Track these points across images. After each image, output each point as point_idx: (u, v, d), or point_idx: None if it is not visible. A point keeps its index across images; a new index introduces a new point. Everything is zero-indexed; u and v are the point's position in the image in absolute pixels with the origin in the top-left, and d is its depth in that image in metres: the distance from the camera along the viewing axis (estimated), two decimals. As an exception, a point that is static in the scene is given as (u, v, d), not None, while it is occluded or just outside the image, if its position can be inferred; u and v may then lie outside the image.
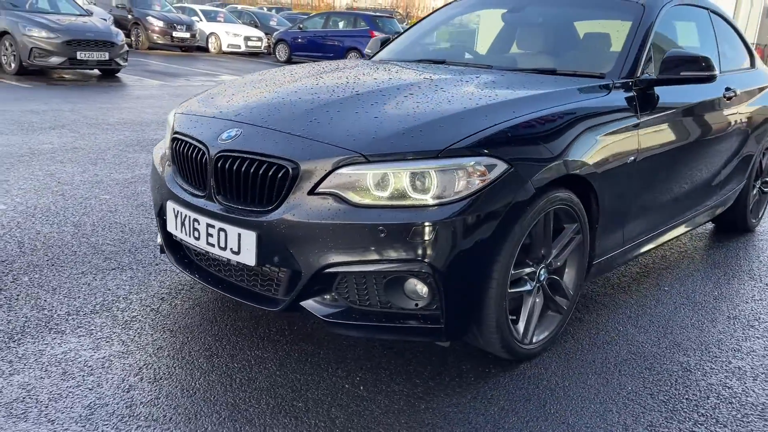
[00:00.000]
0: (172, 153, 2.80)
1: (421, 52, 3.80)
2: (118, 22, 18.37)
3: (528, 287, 2.59)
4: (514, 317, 2.56)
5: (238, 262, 2.44)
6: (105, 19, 15.40)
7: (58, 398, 2.20)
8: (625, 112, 2.95)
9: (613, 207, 2.93)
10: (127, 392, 2.26)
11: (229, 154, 2.45)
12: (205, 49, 20.03)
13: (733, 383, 2.60)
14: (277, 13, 27.79)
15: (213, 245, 2.49)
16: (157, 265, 3.40)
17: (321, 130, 2.42)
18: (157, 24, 18.09)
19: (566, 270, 2.81)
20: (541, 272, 2.63)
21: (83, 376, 2.34)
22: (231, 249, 2.44)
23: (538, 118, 2.53)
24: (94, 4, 18.61)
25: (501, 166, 2.31)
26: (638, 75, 3.13)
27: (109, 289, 3.07)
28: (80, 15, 12.14)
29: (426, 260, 2.22)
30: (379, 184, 2.24)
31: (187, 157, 2.66)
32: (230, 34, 19.58)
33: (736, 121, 3.99)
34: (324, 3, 44.64)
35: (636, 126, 2.96)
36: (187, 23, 18.79)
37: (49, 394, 2.22)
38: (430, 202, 2.23)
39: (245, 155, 2.41)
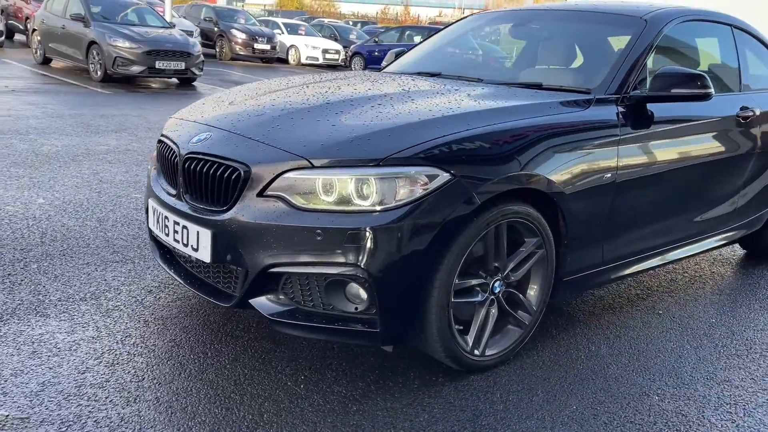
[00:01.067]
0: (157, 154, 2.99)
1: (423, 65, 3.85)
2: (205, 34, 19.32)
3: (479, 298, 2.59)
4: (461, 327, 2.57)
5: (197, 259, 2.58)
6: (190, 32, 16.27)
7: (19, 374, 2.40)
8: (603, 128, 2.90)
9: (587, 224, 2.88)
10: (82, 374, 2.43)
11: (194, 156, 2.61)
12: (285, 61, 20.70)
13: (690, 411, 2.50)
14: (361, 27, 28.36)
15: (178, 242, 2.65)
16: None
17: (279, 135, 2.53)
18: (240, 36, 18.88)
19: (530, 285, 2.79)
20: (496, 284, 2.62)
21: (49, 356, 2.54)
22: (191, 246, 2.58)
23: (493, 131, 2.54)
24: (185, 18, 19.63)
25: (443, 177, 2.35)
26: (628, 91, 3.06)
27: (105, 280, 3.29)
28: (163, 27, 12.88)
29: (361, 265, 2.28)
30: (323, 189, 2.33)
31: (165, 159, 2.84)
32: (309, 47, 20.17)
33: (757, 142, 3.81)
34: (410, 18, 45.16)
35: (615, 143, 2.90)
36: (269, 35, 19.50)
37: (12, 370, 2.42)
38: (369, 208, 2.30)
39: (207, 157, 2.56)
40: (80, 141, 6.66)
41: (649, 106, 3.13)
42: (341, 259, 2.29)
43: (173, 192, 2.75)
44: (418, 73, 3.68)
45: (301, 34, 21.26)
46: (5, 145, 6.16)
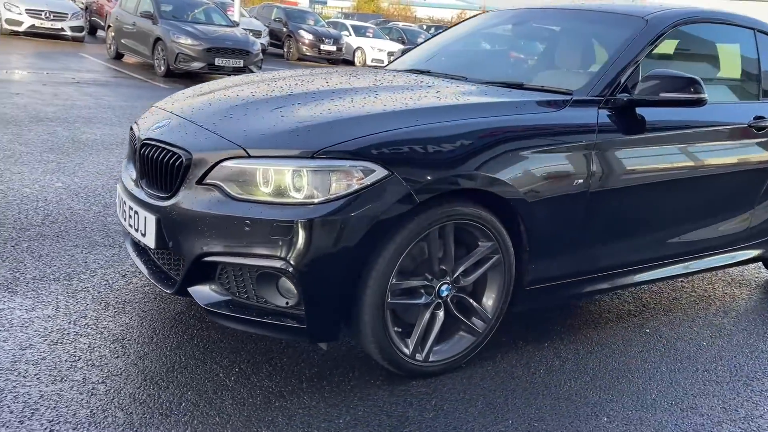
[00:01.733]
0: (129, 141, 3.05)
1: (418, 62, 3.76)
2: (275, 34, 19.72)
3: (422, 300, 2.50)
4: (399, 329, 2.48)
5: (145, 244, 2.60)
6: (259, 32, 16.65)
7: (-37, 345, 2.48)
8: (576, 132, 2.74)
9: (555, 233, 2.73)
10: (23, 350, 2.48)
11: (148, 142, 2.63)
12: (352, 63, 20.87)
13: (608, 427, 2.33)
14: (434, 31, 28.29)
15: (131, 226, 2.68)
16: (142, 246, 3.66)
17: (227, 124, 2.52)
18: (307, 37, 19.17)
19: (486, 291, 2.67)
20: (443, 288, 2.52)
21: (0, 332, 2.61)
22: (141, 231, 2.60)
23: (440, 128, 2.44)
24: (256, 18, 20.11)
25: (380, 173, 2.27)
26: (613, 93, 2.88)
27: (86, 262, 3.37)
28: (227, 26, 13.23)
29: (287, 258, 2.23)
30: (257, 180, 2.29)
31: (131, 145, 2.88)
32: (375, 49, 20.25)
33: (776, 155, 3.52)
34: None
35: (590, 148, 2.74)
36: (335, 37, 19.72)
37: (-41, 341, 2.51)
38: (300, 201, 2.25)
39: (158, 144, 2.57)
40: (121, 131, 6.88)
41: (641, 111, 2.94)
42: (269, 252, 2.25)
43: (133, 178, 2.78)
44: (409, 70, 3.60)
45: (368, 37, 21.39)
46: (49, 131, 6.44)
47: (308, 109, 2.57)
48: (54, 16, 15.99)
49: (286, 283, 2.33)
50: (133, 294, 3.07)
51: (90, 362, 2.44)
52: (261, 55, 12.75)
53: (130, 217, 2.69)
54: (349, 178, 2.26)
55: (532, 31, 3.81)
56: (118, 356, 2.51)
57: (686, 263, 3.30)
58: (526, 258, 2.68)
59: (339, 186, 2.25)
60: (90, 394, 2.25)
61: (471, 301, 2.61)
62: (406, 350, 2.48)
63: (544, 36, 3.73)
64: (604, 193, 2.81)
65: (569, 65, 3.42)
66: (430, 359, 2.56)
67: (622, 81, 2.93)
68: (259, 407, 2.27)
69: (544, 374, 2.69)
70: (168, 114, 2.79)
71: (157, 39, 12.21)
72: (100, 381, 2.33)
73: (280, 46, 19.71)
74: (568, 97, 2.84)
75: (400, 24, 30.15)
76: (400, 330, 2.48)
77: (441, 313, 2.55)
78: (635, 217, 2.99)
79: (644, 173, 2.95)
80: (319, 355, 2.66)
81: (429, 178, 2.33)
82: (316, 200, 2.24)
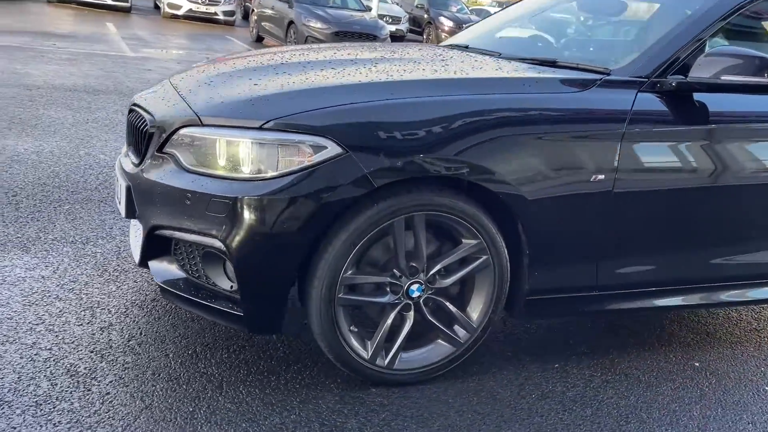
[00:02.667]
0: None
1: (464, 37, 3.43)
2: (416, 21, 19.62)
3: (385, 299, 2.20)
4: (355, 329, 2.20)
5: (120, 212, 2.53)
6: (398, 18, 16.63)
7: (-54, 296, 2.54)
8: (601, 118, 2.29)
9: (561, 236, 2.32)
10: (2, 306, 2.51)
11: (133, 107, 2.55)
12: (493, 52, 20.29)
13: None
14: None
15: (116, 195, 2.62)
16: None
17: (200, 92, 2.37)
18: (447, 24, 18.84)
19: (472, 296, 2.32)
20: (413, 287, 2.21)
21: (-11, 286, 2.66)
22: (118, 200, 2.53)
23: (416, 104, 2.12)
24: (397, 4, 20.11)
25: (332, 150, 2.01)
26: (663, 74, 2.39)
27: (111, 229, 3.39)
28: (358, 10, 13.30)
29: (221, 238, 2.04)
30: (206, 150, 2.12)
31: (132, 113, 2.83)
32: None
33: None
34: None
35: (617, 137, 2.28)
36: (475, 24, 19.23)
37: (-55, 292, 2.58)
38: (243, 176, 2.05)
39: (136, 108, 2.48)
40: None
41: (701, 97, 2.42)
42: (206, 229, 2.07)
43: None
44: (450, 45, 3.27)
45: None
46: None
47: (286, 78, 2.36)
48: (209, 1, 16.95)
49: (230, 265, 2.14)
50: (129, 263, 3.03)
51: (50, 327, 2.41)
52: (389, 39, 12.66)
53: (115, 186, 2.63)
54: (297, 154, 2.02)
55: (598, 5, 3.31)
56: (81, 324, 2.46)
57: (743, 290, 2.68)
58: (526, 263, 2.29)
59: (287, 162, 2.02)
60: (29, 359, 2.21)
61: (450, 305, 2.28)
62: (364, 353, 2.21)
63: (611, 10, 3.22)
64: (634, 195, 2.34)
65: (626, 41, 2.92)
66: (396, 366, 2.26)
67: (680, 60, 2.41)
68: (187, 396, 2.11)
69: (534, 400, 2.30)
70: (166, 82, 2.69)
71: (290, 22, 12.52)
72: (47, 347, 2.28)
73: (420, 32, 19.57)
74: (599, 77, 2.39)
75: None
76: (356, 330, 2.20)
77: (410, 316, 2.24)
78: (675, 227, 2.47)
79: (693, 174, 2.42)
80: (286, 346, 2.45)
81: (391, 160, 2.03)
82: (261, 177, 2.02)
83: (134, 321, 2.52)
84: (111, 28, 13.14)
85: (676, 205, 2.44)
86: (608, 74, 2.43)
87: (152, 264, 2.34)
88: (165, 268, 2.32)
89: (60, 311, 2.53)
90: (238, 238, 2.02)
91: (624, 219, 2.36)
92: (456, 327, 2.31)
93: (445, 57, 2.70)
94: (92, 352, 2.29)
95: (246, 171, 2.04)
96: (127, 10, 16.83)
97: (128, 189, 2.38)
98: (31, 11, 14.01)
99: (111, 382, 2.13)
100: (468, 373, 2.40)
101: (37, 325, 2.41)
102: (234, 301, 2.13)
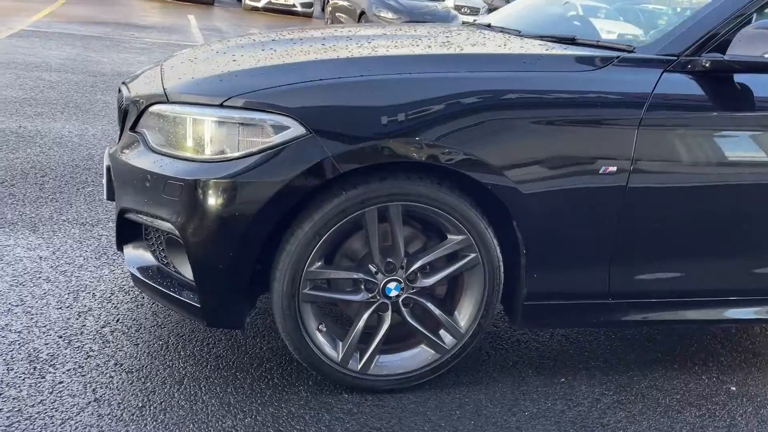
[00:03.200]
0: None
1: (494, 16, 3.16)
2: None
3: (358, 297, 2.00)
4: (323, 328, 2.01)
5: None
6: (476, 9, 16.25)
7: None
8: (615, 101, 1.99)
9: (564, 235, 2.04)
10: (-17, 286, 2.48)
11: (120, 85, 2.45)
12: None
13: None
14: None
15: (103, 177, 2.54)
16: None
17: (180, 69, 2.24)
18: (529, 15, 18.25)
19: (461, 299, 2.08)
20: (390, 285, 1.99)
21: (-17, 264, 2.64)
22: (104, 181, 2.45)
23: (394, 81, 1.90)
24: (480, -5, 19.65)
25: (295, 130, 1.82)
26: (697, 52, 2.06)
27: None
28: (431, 1, 13.03)
29: (173, 221, 1.90)
30: (170, 129, 1.99)
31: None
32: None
33: None
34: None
35: (634, 123, 1.98)
36: (561, 16, 18.52)
37: (-61, 269, 2.57)
38: (201, 157, 1.90)
39: (122, 86, 2.39)
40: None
41: (743, 79, 2.09)
42: (162, 213, 1.94)
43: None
44: (473, 23, 3.04)
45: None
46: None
47: (267, 54, 2.20)
48: (286, -6, 17.12)
49: (191, 253, 1.99)
50: (139, 248, 2.95)
51: (27, 310, 2.35)
52: (463, 30, 12.34)
53: (107, 167, 2.54)
54: (258, 134, 1.85)
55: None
56: (60, 308, 2.39)
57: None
58: (523, 264, 2.03)
59: (248, 144, 1.85)
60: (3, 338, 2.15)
61: (433, 308, 2.04)
62: (334, 354, 2.01)
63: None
64: (654, 192, 2.04)
65: (648, 19, 2.59)
66: (371, 371, 2.05)
67: (718, 36, 2.07)
68: (143, 390, 1.98)
69: (526, 418, 2.03)
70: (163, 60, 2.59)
71: (362, 12, 12.41)
72: (17, 330, 2.21)
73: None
74: (617, 54, 2.08)
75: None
76: (325, 329, 2.01)
77: (388, 317, 2.03)
78: (707, 230, 2.13)
79: (732, 169, 2.09)
80: (266, 341, 2.30)
81: (358, 143, 1.82)
82: (220, 158, 1.87)
83: (115, 307, 2.43)
84: (192, 20, 13.46)
85: (708, 205, 2.10)
86: (631, 51, 2.12)
87: (127, 249, 2.24)
88: (139, 255, 2.21)
89: (44, 293, 2.47)
90: (190, 224, 1.87)
91: (641, 218, 2.05)
92: (442, 332, 2.08)
93: (452, 34, 2.46)
94: (60, 337, 2.20)
95: (207, 152, 1.89)
96: (210, 3, 17.24)
97: (107, 169, 2.29)
98: (119, 2, 14.57)
99: (68, 370, 2.03)
100: (457, 384, 2.16)
101: (16, 306, 2.36)
102: (193, 291, 1.99)
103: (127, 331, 2.28)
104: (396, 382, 2.08)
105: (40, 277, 2.59)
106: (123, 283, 2.61)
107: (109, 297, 2.50)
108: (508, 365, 2.31)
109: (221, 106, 1.88)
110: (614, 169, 1.98)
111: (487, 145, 1.89)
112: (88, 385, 1.97)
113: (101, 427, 1.79)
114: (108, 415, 1.85)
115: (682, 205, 2.08)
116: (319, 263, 1.92)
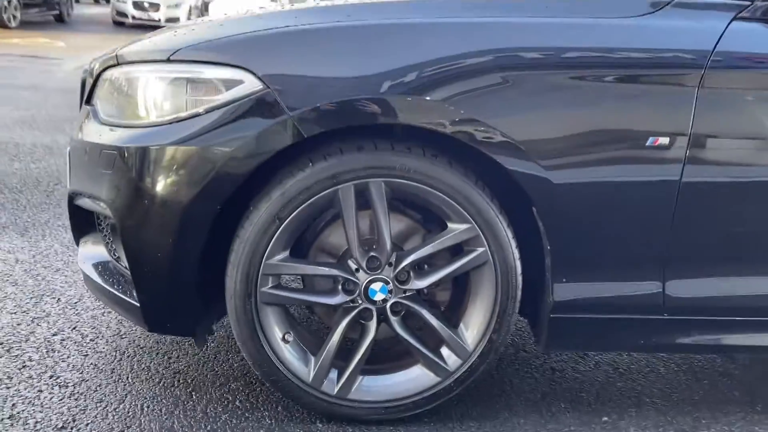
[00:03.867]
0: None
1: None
2: None
3: (336, 300, 1.59)
4: (289, 338, 1.61)
5: (70, 183, 2.15)
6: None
7: None
8: (668, 58, 1.53)
9: (603, 225, 1.57)
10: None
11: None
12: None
13: None
14: None
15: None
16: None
17: (142, 40, 1.93)
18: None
19: (468, 306, 1.64)
20: (374, 286, 1.57)
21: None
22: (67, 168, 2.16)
23: (376, 27, 1.52)
24: None
25: (250, 85, 1.46)
26: (778, -5, 1.59)
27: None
28: None
29: (105, 200, 1.57)
30: (114, 93, 1.67)
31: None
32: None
33: None
34: None
35: (692, 87, 1.50)
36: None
37: None
38: (140, 122, 1.57)
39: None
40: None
41: None
42: (97, 191, 1.61)
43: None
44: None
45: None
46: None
47: (231, 16, 1.87)
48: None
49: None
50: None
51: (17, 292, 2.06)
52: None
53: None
54: (207, 92, 1.50)
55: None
56: (15, 313, 2.09)
57: None
58: (548, 264, 1.58)
59: (193, 102, 1.50)
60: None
61: (431, 318, 1.61)
62: (304, 371, 1.60)
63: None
64: (718, 171, 1.55)
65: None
66: (351, 396, 1.63)
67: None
68: (69, 409, 1.63)
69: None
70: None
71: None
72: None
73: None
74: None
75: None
76: (292, 340, 1.61)
77: (373, 326, 1.60)
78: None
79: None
80: (239, 359, 1.91)
81: (328, 102, 1.44)
82: (159, 121, 1.53)
83: (77, 314, 2.11)
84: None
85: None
86: (688, -3, 1.66)
87: (82, 243, 1.92)
88: (94, 250, 1.89)
89: (4, 296, 2.18)
90: (121, 202, 1.54)
91: (704, 206, 1.57)
92: (444, 349, 1.64)
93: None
94: (1, 344, 1.89)
95: (153, 117, 1.55)
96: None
97: (68, 153, 1.99)
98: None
99: (25, 374, 1.72)
100: (465, 417, 1.71)
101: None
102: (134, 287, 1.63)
103: (80, 340, 1.95)
104: (383, 411, 1.64)
105: (7, 280, 2.31)
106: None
107: (75, 303, 2.18)
108: (535, 398, 1.84)
109: (168, 60, 1.54)
110: (666, 141, 1.51)
111: (494, 108, 1.47)
112: (9, 399, 1.63)
113: (2, 451, 1.45)
114: (17, 437, 1.50)
115: (762, 191, 1.58)
116: (282, 255, 1.53)
